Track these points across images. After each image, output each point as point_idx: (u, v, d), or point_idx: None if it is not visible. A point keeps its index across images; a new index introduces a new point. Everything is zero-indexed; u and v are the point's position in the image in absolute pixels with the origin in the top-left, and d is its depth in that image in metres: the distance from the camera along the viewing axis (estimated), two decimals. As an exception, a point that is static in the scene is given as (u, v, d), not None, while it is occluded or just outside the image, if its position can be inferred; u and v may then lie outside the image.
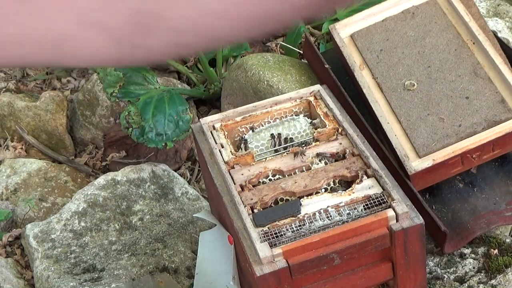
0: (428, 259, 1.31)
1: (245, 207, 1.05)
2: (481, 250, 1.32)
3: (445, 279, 1.28)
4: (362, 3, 1.74)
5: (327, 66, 1.45)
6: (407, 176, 1.26)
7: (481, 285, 1.25)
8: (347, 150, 1.13)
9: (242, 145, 1.19)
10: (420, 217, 1.02)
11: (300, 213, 1.03)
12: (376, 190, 1.05)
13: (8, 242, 1.53)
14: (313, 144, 1.15)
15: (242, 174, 1.11)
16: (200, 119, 1.23)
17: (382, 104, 1.34)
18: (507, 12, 1.77)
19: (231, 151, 1.15)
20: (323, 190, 1.08)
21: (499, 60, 1.33)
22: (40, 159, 1.74)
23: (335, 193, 1.06)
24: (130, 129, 1.54)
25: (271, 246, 0.99)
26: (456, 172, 1.32)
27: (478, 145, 1.26)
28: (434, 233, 1.30)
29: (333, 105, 1.21)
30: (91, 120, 1.79)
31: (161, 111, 1.55)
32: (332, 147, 1.14)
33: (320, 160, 1.12)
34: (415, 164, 1.26)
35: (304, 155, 1.12)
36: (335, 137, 1.16)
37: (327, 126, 1.17)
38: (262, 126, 1.22)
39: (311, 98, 1.24)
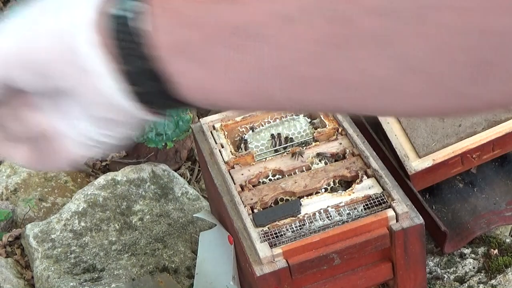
0: (428, 259, 1.31)
1: (245, 207, 1.05)
2: (481, 250, 1.32)
3: (445, 279, 1.28)
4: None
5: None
6: (407, 176, 1.26)
7: (481, 285, 1.25)
8: (347, 150, 1.13)
9: (242, 145, 1.19)
10: (420, 217, 1.02)
11: (300, 213, 1.03)
12: (376, 190, 1.05)
13: (8, 242, 1.53)
14: (313, 144, 1.15)
15: (242, 174, 1.11)
16: (200, 119, 1.23)
17: (382, 104, 1.34)
18: (507, 12, 1.77)
19: (231, 151, 1.15)
20: (323, 190, 1.08)
21: (499, 60, 1.33)
22: (40, 159, 1.74)
23: (335, 193, 1.06)
24: (130, 129, 1.53)
25: (271, 246, 0.99)
26: (456, 172, 1.31)
27: (478, 145, 1.26)
28: (434, 233, 1.30)
29: (333, 105, 1.20)
30: (91, 120, 1.79)
31: (161, 111, 1.55)
32: (332, 147, 1.14)
33: (320, 160, 1.12)
34: (415, 164, 1.26)
35: (302, 155, 1.12)
36: (335, 137, 1.16)
37: (327, 126, 1.17)
38: (262, 126, 1.22)
39: (311, 98, 1.24)
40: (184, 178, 1.64)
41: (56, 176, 1.68)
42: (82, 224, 1.48)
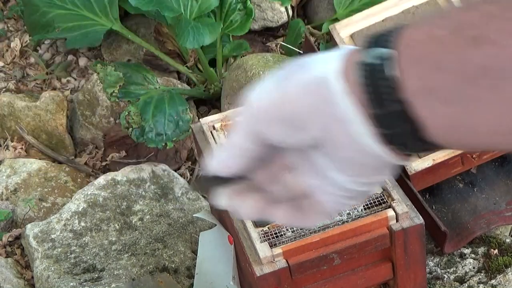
0: (428, 259, 1.31)
1: (245, 207, 1.05)
2: (481, 250, 1.32)
3: (445, 279, 1.28)
4: (362, 3, 1.74)
5: (327, 66, 1.45)
6: (407, 176, 1.26)
7: (481, 285, 1.25)
8: (347, 150, 1.13)
9: (242, 145, 1.19)
10: (420, 217, 1.02)
11: (300, 213, 1.03)
12: (376, 190, 1.05)
13: (8, 242, 1.53)
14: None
15: (242, 174, 1.11)
16: (200, 119, 1.23)
17: (382, 104, 1.34)
18: (507, 12, 1.77)
19: (231, 151, 1.15)
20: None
21: (499, 60, 1.33)
22: (40, 159, 1.74)
23: (335, 193, 1.06)
24: (130, 129, 1.54)
25: (271, 246, 0.99)
26: (456, 172, 1.31)
27: (478, 145, 1.26)
28: (434, 233, 1.30)
29: (333, 105, 1.21)
30: (91, 120, 1.79)
31: (161, 111, 1.56)
32: (332, 147, 1.14)
33: (320, 160, 1.12)
34: (415, 164, 1.26)
35: None
36: (335, 137, 1.16)
37: (327, 126, 1.17)
38: (262, 126, 1.22)
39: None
40: (184, 178, 1.64)
41: (56, 176, 1.68)
42: (82, 224, 1.48)
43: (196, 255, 1.28)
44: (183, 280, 1.38)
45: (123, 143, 1.76)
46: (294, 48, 1.78)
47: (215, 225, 1.22)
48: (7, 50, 2.06)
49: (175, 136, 1.54)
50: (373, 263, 1.07)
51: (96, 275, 1.38)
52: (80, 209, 1.51)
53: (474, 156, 1.28)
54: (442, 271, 1.29)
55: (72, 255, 1.42)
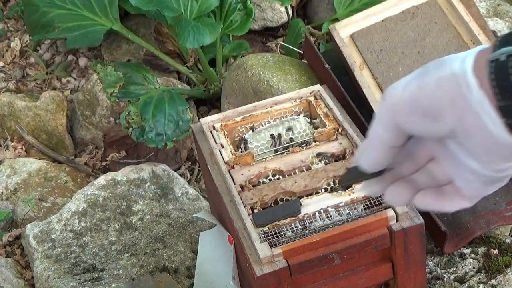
0: (428, 259, 1.31)
1: (245, 207, 1.05)
2: (481, 250, 1.32)
3: (445, 279, 1.28)
4: (362, 3, 1.74)
5: (327, 66, 1.45)
6: (407, 176, 1.26)
7: (481, 285, 1.25)
8: (347, 150, 1.13)
9: (242, 145, 1.19)
10: (420, 217, 1.03)
11: (300, 213, 1.03)
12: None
13: (8, 242, 1.53)
14: (313, 144, 1.15)
15: (242, 174, 1.11)
16: (200, 119, 1.23)
17: (382, 104, 1.34)
18: (507, 12, 1.77)
19: (231, 151, 1.15)
20: (323, 190, 1.08)
21: (499, 60, 1.33)
22: (40, 159, 1.74)
23: (335, 193, 1.06)
24: (130, 129, 1.54)
25: (271, 246, 0.99)
26: (456, 172, 1.31)
27: (478, 145, 1.26)
28: (434, 233, 1.30)
29: (333, 105, 1.21)
30: (91, 120, 1.79)
31: (161, 111, 1.56)
32: (332, 147, 1.14)
33: (320, 160, 1.12)
34: (415, 164, 1.26)
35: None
36: (335, 137, 1.16)
37: (327, 126, 1.17)
38: (262, 126, 1.22)
39: (311, 98, 1.24)
40: (184, 178, 1.64)
41: (56, 176, 1.68)
42: (82, 224, 1.48)
43: (196, 255, 1.28)
44: (183, 280, 1.38)
45: (123, 143, 1.76)
46: (294, 48, 1.78)
47: (215, 225, 1.22)
48: (7, 50, 2.06)
49: (175, 136, 1.54)
50: (373, 263, 1.07)
51: (96, 275, 1.38)
52: (80, 209, 1.51)
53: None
54: (442, 271, 1.29)
55: (72, 255, 1.42)
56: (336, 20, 1.69)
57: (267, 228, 1.02)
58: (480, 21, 1.41)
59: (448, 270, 1.29)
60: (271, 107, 1.23)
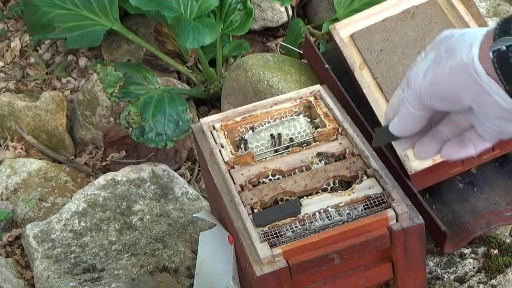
0: (428, 259, 1.31)
1: (245, 207, 1.05)
2: (481, 250, 1.32)
3: (445, 279, 1.28)
4: (362, 3, 1.74)
5: (327, 66, 1.45)
6: (407, 176, 1.26)
7: (481, 285, 1.25)
8: (347, 150, 1.13)
9: (242, 145, 1.19)
10: (420, 217, 1.02)
11: (300, 213, 1.03)
12: (376, 190, 1.05)
13: (8, 242, 1.53)
14: (313, 144, 1.15)
15: (242, 174, 1.11)
16: (200, 119, 1.23)
17: (382, 104, 1.34)
18: (507, 12, 1.77)
19: (231, 151, 1.15)
20: (323, 190, 1.08)
21: (499, 60, 1.33)
22: (40, 159, 1.74)
23: (335, 193, 1.06)
24: (130, 129, 1.54)
25: (271, 246, 0.99)
26: (456, 172, 1.32)
27: (478, 145, 1.26)
28: (434, 233, 1.30)
29: (333, 105, 1.21)
30: (91, 120, 1.79)
31: (161, 111, 1.56)
32: (332, 147, 1.14)
33: (320, 160, 1.12)
34: (415, 164, 1.26)
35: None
36: (335, 137, 1.16)
37: (327, 126, 1.17)
38: (262, 126, 1.22)
39: (311, 98, 1.24)
40: (184, 178, 1.64)
41: (56, 176, 1.68)
42: (82, 224, 1.49)
43: (196, 255, 1.28)
44: (183, 280, 1.38)
45: (123, 143, 1.76)
46: (294, 48, 1.78)
47: (215, 225, 1.22)
48: (7, 50, 2.06)
49: (175, 136, 1.54)
50: (373, 263, 1.07)
51: (96, 275, 1.38)
52: (80, 209, 1.51)
53: (474, 156, 1.28)
54: (442, 271, 1.29)
55: (72, 255, 1.42)
56: (336, 20, 1.69)
57: (267, 228, 1.02)
58: (480, 21, 1.41)
59: (448, 270, 1.29)
60: (271, 107, 1.23)
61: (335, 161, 1.12)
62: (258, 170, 1.11)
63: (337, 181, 1.09)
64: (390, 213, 1.01)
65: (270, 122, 1.22)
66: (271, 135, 1.19)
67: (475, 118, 0.70)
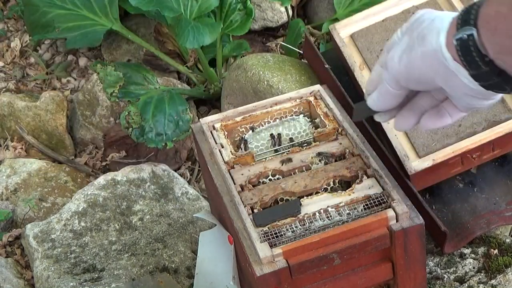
0: (428, 259, 1.31)
1: (245, 207, 1.05)
2: (481, 250, 1.32)
3: (445, 279, 1.28)
4: (362, 3, 1.74)
5: (327, 66, 1.45)
6: (407, 176, 1.26)
7: (481, 285, 1.25)
8: (347, 150, 1.13)
9: (242, 145, 1.19)
10: (420, 217, 1.02)
11: (300, 213, 1.03)
12: (376, 190, 1.05)
13: (8, 242, 1.53)
14: (313, 144, 1.15)
15: (242, 174, 1.11)
16: (200, 119, 1.23)
17: (382, 104, 1.34)
18: (507, 12, 1.77)
19: (231, 151, 1.15)
20: (323, 190, 1.08)
21: (499, 60, 1.33)
22: (40, 159, 1.74)
23: (335, 193, 1.06)
24: (130, 129, 1.54)
25: (271, 246, 0.99)
26: (456, 172, 1.31)
27: (478, 145, 1.26)
28: (434, 233, 1.30)
29: (333, 105, 1.21)
30: (91, 120, 1.79)
31: (161, 111, 1.56)
32: (332, 147, 1.14)
33: (320, 160, 1.12)
34: (415, 164, 1.26)
35: (291, 161, 1.12)
36: (335, 137, 1.16)
37: (327, 126, 1.17)
38: (262, 126, 1.22)
39: (311, 98, 1.24)
40: (184, 178, 1.64)
41: (56, 176, 1.68)
42: (82, 224, 1.49)
43: (196, 255, 1.28)
44: (183, 280, 1.38)
45: (123, 143, 1.76)
46: (294, 48, 1.78)
47: (215, 225, 1.22)
48: (7, 50, 2.06)
49: (175, 136, 1.54)
50: (373, 263, 1.07)
51: (96, 275, 1.38)
52: (80, 209, 1.51)
53: (474, 156, 1.28)
54: (442, 271, 1.29)
55: (72, 255, 1.42)
56: (336, 20, 1.69)
57: (267, 228, 1.02)
58: (480, 21, 1.41)
59: (448, 270, 1.29)
60: (271, 107, 1.23)
61: (335, 161, 1.12)
62: (258, 170, 1.11)
63: (337, 181, 1.09)
64: (390, 213, 1.02)
65: (270, 122, 1.23)
66: (271, 135, 1.19)
67: (449, 94, 0.77)
